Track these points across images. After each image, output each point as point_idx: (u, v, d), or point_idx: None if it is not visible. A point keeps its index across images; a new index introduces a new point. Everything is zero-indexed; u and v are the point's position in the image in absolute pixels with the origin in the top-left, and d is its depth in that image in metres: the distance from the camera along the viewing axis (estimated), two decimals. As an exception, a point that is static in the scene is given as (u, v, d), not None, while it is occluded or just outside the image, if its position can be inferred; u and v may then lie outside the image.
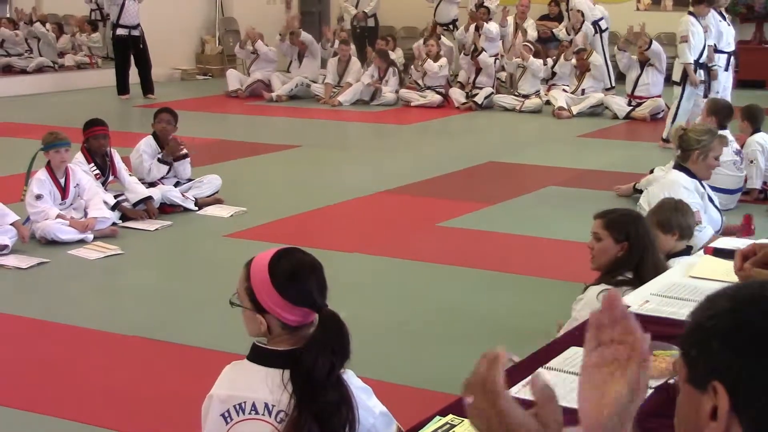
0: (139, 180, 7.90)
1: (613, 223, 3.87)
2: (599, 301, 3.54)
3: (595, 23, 14.44)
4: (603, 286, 3.72)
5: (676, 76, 10.57)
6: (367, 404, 2.35)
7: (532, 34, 15.33)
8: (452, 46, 15.42)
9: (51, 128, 8.14)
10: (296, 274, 2.41)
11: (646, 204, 5.45)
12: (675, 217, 4.52)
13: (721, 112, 7.94)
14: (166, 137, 8.10)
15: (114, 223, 7.36)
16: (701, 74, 10.43)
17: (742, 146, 8.19)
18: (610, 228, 3.85)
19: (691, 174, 5.39)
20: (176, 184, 8.10)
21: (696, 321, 1.34)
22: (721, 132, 7.94)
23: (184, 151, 8.19)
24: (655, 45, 12.57)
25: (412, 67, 14.69)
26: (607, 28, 14.63)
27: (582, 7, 14.41)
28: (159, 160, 8.05)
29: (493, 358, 1.42)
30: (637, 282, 3.59)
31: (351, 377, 2.40)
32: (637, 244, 3.80)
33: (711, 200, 5.47)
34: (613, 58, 14.76)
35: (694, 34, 10.26)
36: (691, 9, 10.48)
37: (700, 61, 10.39)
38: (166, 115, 8.16)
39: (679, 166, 5.46)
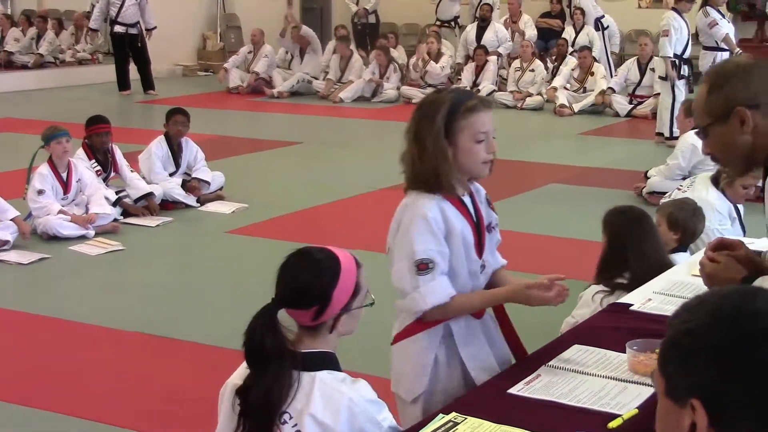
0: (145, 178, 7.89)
1: (603, 220, 3.87)
2: (595, 302, 3.56)
3: (598, 20, 14.45)
4: (600, 287, 3.71)
5: (662, 71, 10.65)
6: (376, 418, 2.33)
7: (531, 33, 15.25)
8: (451, 48, 15.37)
9: (52, 124, 8.14)
10: (282, 265, 2.41)
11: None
12: (690, 220, 4.46)
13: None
14: (179, 138, 8.08)
15: (115, 219, 7.37)
16: (685, 69, 10.50)
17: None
18: (603, 225, 3.86)
19: (725, 194, 5.30)
20: (183, 183, 8.05)
21: (674, 335, 1.30)
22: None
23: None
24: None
25: (411, 67, 14.60)
26: (608, 26, 14.63)
27: (585, 5, 14.40)
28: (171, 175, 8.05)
29: None
30: (635, 284, 3.48)
31: (362, 387, 2.36)
32: (613, 242, 3.75)
33: (741, 222, 5.37)
34: (614, 55, 14.79)
35: (675, 29, 10.32)
36: (673, 5, 10.54)
37: (684, 56, 10.45)
38: (181, 117, 8.09)
39: (715, 181, 5.35)
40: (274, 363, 2.28)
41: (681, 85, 10.48)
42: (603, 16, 14.58)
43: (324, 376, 2.33)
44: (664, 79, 10.61)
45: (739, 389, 1.22)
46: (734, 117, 2.30)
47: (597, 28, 14.49)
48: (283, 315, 2.36)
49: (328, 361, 2.38)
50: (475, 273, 2.83)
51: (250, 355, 2.31)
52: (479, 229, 2.84)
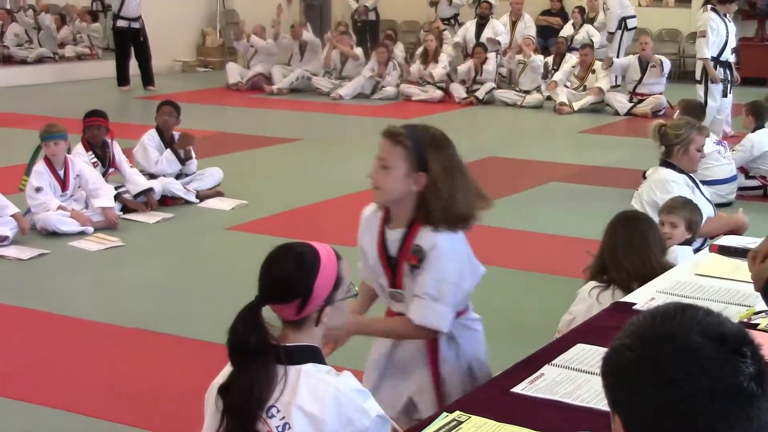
0: (144, 172, 7.88)
1: None
2: (591, 297, 3.58)
3: (624, 19, 14.30)
4: (595, 283, 3.74)
5: (698, 74, 10.30)
6: (363, 406, 2.34)
7: (530, 33, 15.21)
8: (452, 49, 15.34)
9: (51, 119, 8.13)
10: (263, 262, 2.42)
11: (638, 205, 5.42)
12: (699, 223, 4.66)
13: (692, 112, 7.93)
14: (169, 130, 8.09)
15: (114, 215, 7.36)
16: (721, 72, 10.14)
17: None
18: None
19: (678, 169, 5.36)
20: (178, 176, 8.07)
21: (608, 350, 1.38)
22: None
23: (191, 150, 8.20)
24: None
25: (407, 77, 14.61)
26: (634, 27, 14.49)
27: (611, 3, 14.30)
28: (172, 150, 8.00)
29: None
30: (630, 281, 3.58)
31: (347, 378, 2.37)
32: (603, 244, 3.82)
33: (702, 192, 5.44)
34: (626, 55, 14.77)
35: (713, 30, 9.96)
36: (713, 5, 10.11)
37: (721, 58, 10.11)
38: (168, 107, 8.12)
39: (664, 163, 5.43)
40: (257, 360, 2.30)
41: (715, 90, 10.08)
42: (633, 17, 14.38)
43: (309, 368, 2.34)
44: (699, 82, 10.21)
45: (648, 408, 1.29)
46: None
47: (619, 27, 14.34)
48: (269, 313, 2.37)
49: (312, 355, 2.39)
50: None
51: (233, 353, 2.33)
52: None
